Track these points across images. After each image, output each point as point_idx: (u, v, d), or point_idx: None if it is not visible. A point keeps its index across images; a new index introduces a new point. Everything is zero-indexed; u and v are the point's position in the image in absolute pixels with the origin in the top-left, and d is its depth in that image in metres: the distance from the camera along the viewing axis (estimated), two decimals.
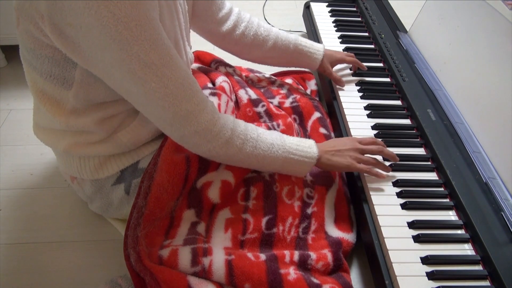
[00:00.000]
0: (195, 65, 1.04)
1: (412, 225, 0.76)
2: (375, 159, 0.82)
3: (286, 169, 0.78)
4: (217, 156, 0.72)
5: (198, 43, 1.06)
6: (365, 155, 0.82)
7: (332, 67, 1.06)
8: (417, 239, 0.74)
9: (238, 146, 0.71)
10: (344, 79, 1.08)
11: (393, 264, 0.70)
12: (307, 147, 0.77)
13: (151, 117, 0.67)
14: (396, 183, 0.83)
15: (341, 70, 1.13)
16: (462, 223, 0.77)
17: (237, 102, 0.96)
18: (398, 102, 1.04)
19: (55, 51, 0.63)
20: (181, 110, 0.64)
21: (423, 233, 0.74)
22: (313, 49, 1.02)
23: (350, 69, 1.13)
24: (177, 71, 0.62)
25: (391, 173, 0.84)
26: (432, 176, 0.86)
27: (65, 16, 0.55)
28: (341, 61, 1.07)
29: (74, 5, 0.54)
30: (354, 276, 0.85)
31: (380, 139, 0.88)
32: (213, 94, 0.86)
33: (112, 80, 0.63)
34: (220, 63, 1.05)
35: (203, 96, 0.67)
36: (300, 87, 1.15)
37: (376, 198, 0.80)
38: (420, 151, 0.91)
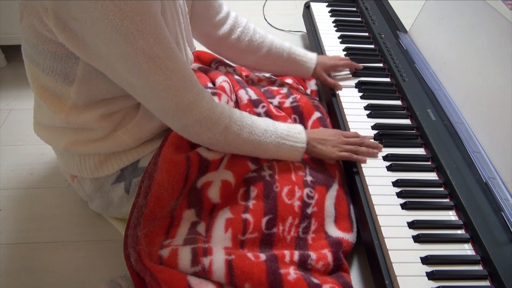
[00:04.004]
0: (195, 65, 1.04)
1: (412, 225, 0.76)
2: (355, 146, 0.88)
3: (281, 155, 0.81)
4: (216, 143, 0.74)
5: (199, 43, 1.06)
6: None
7: (327, 73, 1.07)
8: (417, 239, 0.74)
9: (236, 132, 0.74)
10: (343, 79, 1.09)
11: (393, 264, 0.70)
12: (297, 132, 0.82)
13: (154, 110, 0.69)
14: (396, 183, 0.83)
15: (340, 70, 1.13)
16: (462, 223, 0.77)
17: (237, 102, 0.96)
18: (398, 102, 1.04)
19: (58, 46, 0.64)
20: (183, 100, 0.66)
21: (423, 233, 0.75)
22: (306, 58, 1.04)
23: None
24: (178, 64, 0.64)
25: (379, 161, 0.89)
26: (432, 176, 0.86)
27: (70, 9, 0.56)
28: (334, 67, 1.08)
29: None
30: (354, 276, 0.85)
31: (377, 141, 0.91)
32: (213, 94, 0.86)
33: (115, 74, 0.64)
34: (220, 63, 1.05)
35: (201, 87, 0.70)
36: (300, 87, 1.15)
37: (376, 198, 0.80)
38: (420, 151, 0.91)
